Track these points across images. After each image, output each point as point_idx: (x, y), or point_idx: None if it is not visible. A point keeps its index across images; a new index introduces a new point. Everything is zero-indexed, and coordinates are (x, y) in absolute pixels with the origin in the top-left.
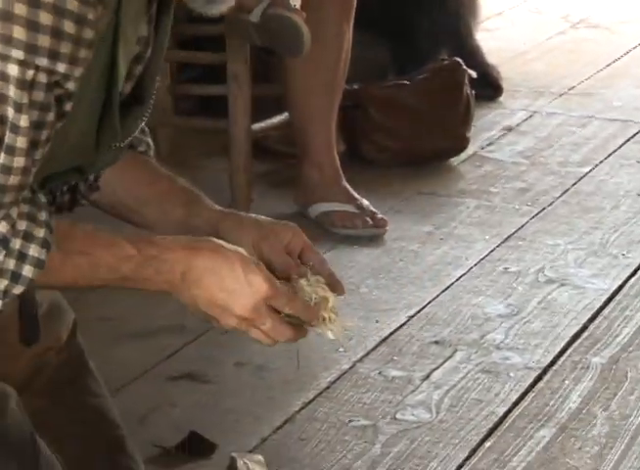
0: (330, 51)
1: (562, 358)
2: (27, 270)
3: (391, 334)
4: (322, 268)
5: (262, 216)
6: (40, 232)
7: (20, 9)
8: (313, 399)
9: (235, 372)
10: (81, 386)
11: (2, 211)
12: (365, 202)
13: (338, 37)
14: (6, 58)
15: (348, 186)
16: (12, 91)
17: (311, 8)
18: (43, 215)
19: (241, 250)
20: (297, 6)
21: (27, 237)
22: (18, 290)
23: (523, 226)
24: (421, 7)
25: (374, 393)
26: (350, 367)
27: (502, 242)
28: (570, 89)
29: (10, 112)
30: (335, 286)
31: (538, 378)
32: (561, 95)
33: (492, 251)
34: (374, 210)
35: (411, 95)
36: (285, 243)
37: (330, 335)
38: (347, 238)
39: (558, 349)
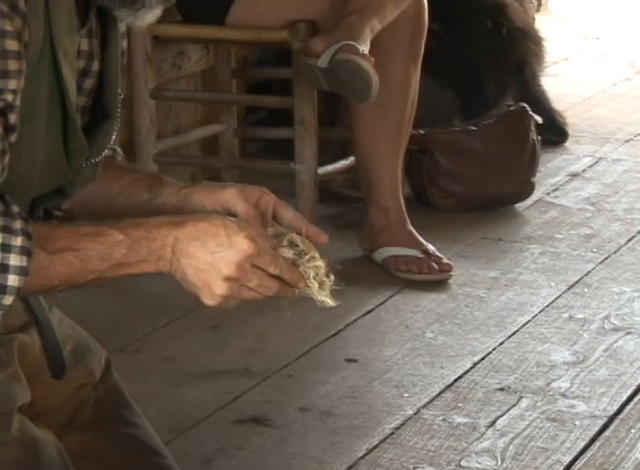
0: (397, 96)
1: (628, 407)
2: (12, 280)
3: (456, 380)
4: (297, 223)
5: (231, 183)
6: (17, 241)
7: None
8: (377, 445)
9: (299, 416)
10: (122, 419)
11: None
12: (430, 247)
13: (405, 82)
14: None
15: (414, 231)
16: None
17: (379, 53)
18: (18, 224)
19: (229, 218)
20: (366, 51)
21: (5, 248)
22: (8, 301)
23: (588, 273)
24: (487, 53)
25: (438, 439)
26: (415, 413)
27: (567, 289)
28: (635, 136)
29: None
30: (316, 237)
31: (604, 427)
32: (626, 141)
33: (558, 297)
34: (439, 255)
35: (477, 140)
36: (253, 201)
37: (327, 304)
38: (413, 283)
39: (624, 397)
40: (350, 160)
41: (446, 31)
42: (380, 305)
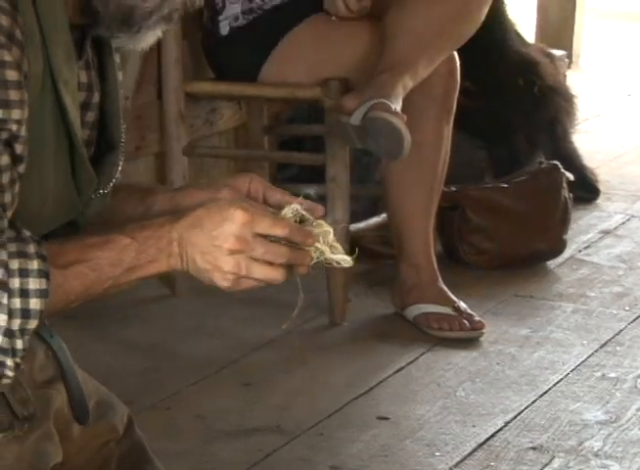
0: (429, 153)
1: None
2: (34, 303)
3: (488, 439)
4: (288, 200)
5: (225, 181)
6: (34, 264)
7: None
8: None
9: None
10: None
11: None
12: (462, 304)
13: (437, 139)
14: None
15: (445, 288)
16: None
17: (412, 110)
18: (32, 248)
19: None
20: (398, 109)
21: (23, 273)
22: (32, 324)
23: (620, 331)
24: (519, 110)
25: None
26: None
27: (600, 347)
28: None
29: None
30: (314, 210)
31: None
32: None
33: (590, 356)
34: (471, 312)
35: (509, 197)
36: (245, 192)
37: (344, 263)
38: (444, 340)
39: None
40: (382, 216)
41: (478, 89)
42: (411, 362)
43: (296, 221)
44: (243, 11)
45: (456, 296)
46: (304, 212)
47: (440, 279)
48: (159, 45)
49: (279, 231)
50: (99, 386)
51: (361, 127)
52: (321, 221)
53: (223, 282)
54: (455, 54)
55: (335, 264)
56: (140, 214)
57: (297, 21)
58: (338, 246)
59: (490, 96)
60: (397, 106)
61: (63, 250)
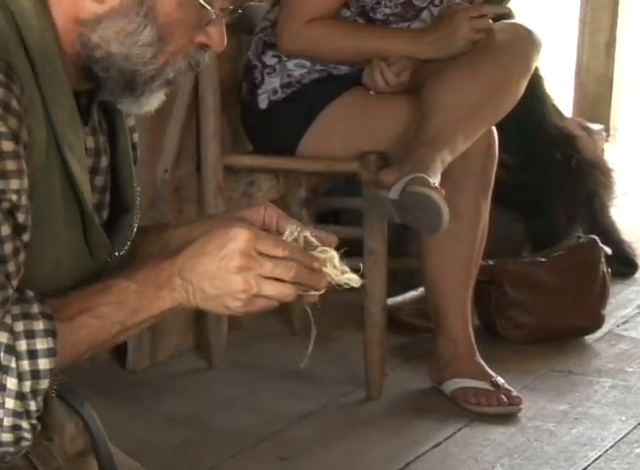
0: (467, 227)
1: None
2: (43, 363)
3: None
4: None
5: (239, 214)
6: (39, 324)
7: None
8: None
9: None
10: None
11: None
12: (500, 379)
13: (475, 214)
14: None
15: (483, 362)
16: None
17: (450, 184)
18: (36, 308)
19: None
20: (437, 183)
21: (29, 334)
22: (44, 384)
23: None
24: (556, 184)
25: None
26: None
27: (638, 423)
28: None
29: None
30: (327, 240)
31: None
32: None
33: (629, 432)
34: (508, 387)
35: (547, 272)
36: (259, 223)
37: (354, 284)
38: (482, 416)
39: None
40: (420, 290)
41: (516, 162)
42: (448, 437)
43: (309, 244)
44: (282, 85)
45: (494, 370)
46: (311, 238)
47: (478, 353)
48: (197, 118)
49: (279, 252)
50: (131, 461)
51: (399, 202)
52: (326, 247)
53: (236, 303)
54: (493, 128)
55: (345, 286)
56: (158, 252)
57: (335, 95)
58: (345, 269)
59: (528, 170)
60: (436, 180)
61: (65, 302)
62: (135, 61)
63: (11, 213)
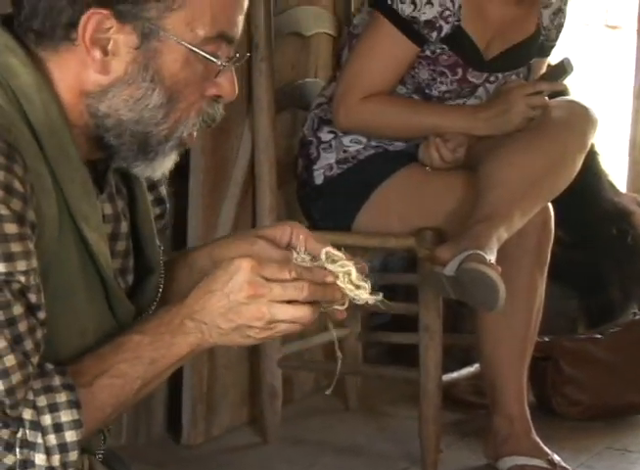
0: (522, 303)
1: None
2: (70, 435)
3: None
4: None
5: (262, 233)
6: (62, 397)
7: None
8: None
9: None
10: None
11: (21, 405)
12: (556, 457)
13: (531, 290)
14: None
15: (539, 439)
16: None
17: (506, 261)
18: (57, 381)
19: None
20: (493, 260)
21: (53, 408)
22: (73, 457)
23: None
24: (613, 260)
25: None
26: None
27: None
28: None
29: None
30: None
31: None
32: None
33: None
34: (565, 465)
35: (603, 349)
36: (284, 241)
37: (369, 300)
38: None
39: None
40: (475, 366)
41: (572, 238)
42: None
43: (332, 260)
44: (337, 161)
45: (549, 448)
46: (333, 251)
47: (534, 430)
48: (253, 193)
49: (286, 274)
50: None
51: (456, 278)
52: (347, 262)
53: (253, 331)
54: (549, 205)
55: (358, 302)
56: (186, 276)
57: (391, 171)
58: (362, 284)
59: (584, 246)
60: (492, 257)
61: (82, 367)
62: (147, 123)
63: (22, 294)
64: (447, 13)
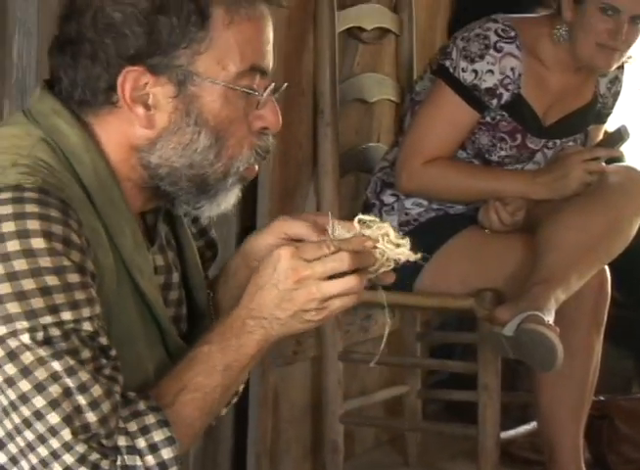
0: (579, 363)
1: None
2: (166, 453)
3: None
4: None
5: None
6: (150, 419)
7: (4, 288)
8: None
9: None
10: None
11: (115, 433)
12: None
13: (588, 351)
14: (15, 333)
15: None
16: (31, 357)
17: (563, 322)
18: (142, 405)
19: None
20: (551, 321)
21: (144, 430)
22: None
23: None
24: None
25: None
26: None
27: None
28: None
29: (49, 366)
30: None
31: None
32: None
33: None
34: None
35: None
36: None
37: (410, 257)
38: None
39: None
40: (532, 424)
41: (627, 299)
42: None
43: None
44: (400, 223)
45: None
46: (365, 217)
47: None
48: None
49: (325, 250)
50: None
51: (515, 338)
52: (382, 224)
53: (310, 314)
54: (606, 267)
55: (404, 260)
56: (223, 284)
57: (452, 233)
58: (402, 242)
59: (638, 307)
60: (550, 318)
61: (161, 390)
62: (200, 165)
63: (91, 338)
64: (507, 81)
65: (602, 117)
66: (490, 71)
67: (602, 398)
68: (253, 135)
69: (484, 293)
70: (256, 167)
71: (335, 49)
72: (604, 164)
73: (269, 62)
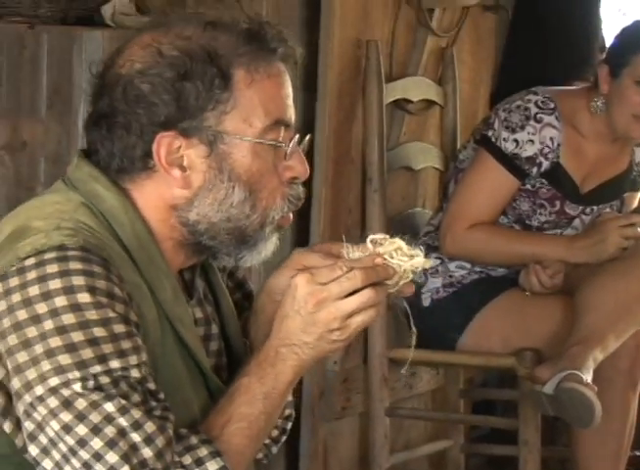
0: (617, 421)
1: None
2: None
3: None
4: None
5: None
6: (203, 451)
7: (55, 342)
8: None
9: None
10: None
11: (171, 467)
12: None
13: (624, 408)
14: (68, 383)
15: None
16: (85, 402)
17: (600, 381)
18: (194, 440)
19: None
20: (589, 380)
21: (199, 462)
22: None
23: None
24: None
25: None
26: None
27: None
28: None
29: (102, 409)
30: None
31: None
32: None
33: None
34: None
35: None
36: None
37: (425, 264)
38: None
39: None
40: None
41: None
42: None
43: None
44: (444, 285)
45: None
46: (375, 236)
47: None
48: None
49: (339, 271)
50: None
51: (554, 396)
52: (394, 239)
53: (335, 334)
54: None
55: (420, 269)
56: (253, 322)
57: (493, 295)
58: (415, 252)
59: None
60: (588, 377)
61: (209, 425)
62: (237, 218)
63: (140, 384)
64: (547, 150)
65: (637, 185)
66: (531, 141)
67: (638, 453)
68: (284, 185)
69: (525, 352)
70: (291, 216)
71: (382, 119)
72: (639, 229)
73: (291, 115)
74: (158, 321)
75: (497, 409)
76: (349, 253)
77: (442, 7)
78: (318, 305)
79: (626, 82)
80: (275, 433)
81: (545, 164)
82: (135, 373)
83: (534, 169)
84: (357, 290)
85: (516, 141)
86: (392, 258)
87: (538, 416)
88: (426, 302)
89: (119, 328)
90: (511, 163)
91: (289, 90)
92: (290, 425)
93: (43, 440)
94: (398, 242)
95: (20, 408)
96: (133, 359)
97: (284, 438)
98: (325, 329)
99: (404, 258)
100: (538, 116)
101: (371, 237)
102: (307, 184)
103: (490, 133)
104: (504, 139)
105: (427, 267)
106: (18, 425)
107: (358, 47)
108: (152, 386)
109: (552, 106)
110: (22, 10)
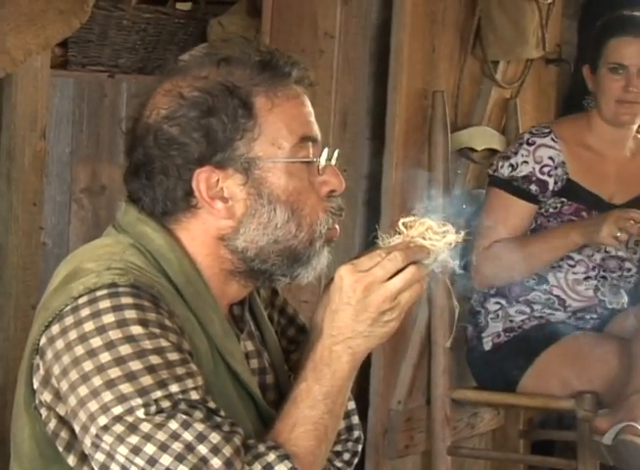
0: None
1: None
2: None
3: None
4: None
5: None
6: (271, 457)
7: (114, 372)
8: None
9: None
10: None
11: None
12: None
13: None
14: (131, 410)
15: None
16: (149, 425)
17: None
18: (261, 448)
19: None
20: None
21: (268, 467)
22: None
23: None
24: None
25: None
26: None
27: None
28: None
29: (167, 428)
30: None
31: None
32: None
33: None
34: None
35: None
36: None
37: (457, 239)
38: None
39: None
40: None
41: None
42: None
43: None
44: (504, 329)
45: None
46: (405, 219)
47: None
48: (429, 356)
49: (378, 257)
50: None
51: (613, 447)
52: (423, 220)
53: (387, 315)
54: None
55: (454, 244)
56: (305, 343)
57: (553, 339)
58: (447, 229)
59: None
60: None
61: (275, 432)
62: (285, 239)
63: (200, 403)
64: (547, 168)
65: None
66: (525, 162)
67: None
68: (324, 200)
69: (584, 395)
70: (337, 227)
71: (448, 168)
72: None
73: (316, 130)
74: (209, 353)
75: (556, 448)
76: (383, 240)
77: (507, 60)
78: (367, 290)
79: (603, 72)
80: (347, 456)
81: (552, 183)
82: (194, 395)
83: (538, 188)
84: (399, 271)
85: (511, 165)
86: (425, 239)
87: (596, 461)
88: (487, 345)
89: (173, 356)
90: (510, 185)
91: (309, 108)
92: (360, 447)
93: (115, 468)
94: (428, 222)
95: (87, 443)
96: (190, 383)
97: (355, 460)
98: (377, 312)
99: (436, 236)
100: (531, 139)
101: (402, 220)
102: (376, 229)
103: (491, 171)
104: (500, 167)
105: (459, 241)
106: (81, 459)
107: (425, 98)
108: (212, 405)
109: (546, 130)
110: (102, 60)
